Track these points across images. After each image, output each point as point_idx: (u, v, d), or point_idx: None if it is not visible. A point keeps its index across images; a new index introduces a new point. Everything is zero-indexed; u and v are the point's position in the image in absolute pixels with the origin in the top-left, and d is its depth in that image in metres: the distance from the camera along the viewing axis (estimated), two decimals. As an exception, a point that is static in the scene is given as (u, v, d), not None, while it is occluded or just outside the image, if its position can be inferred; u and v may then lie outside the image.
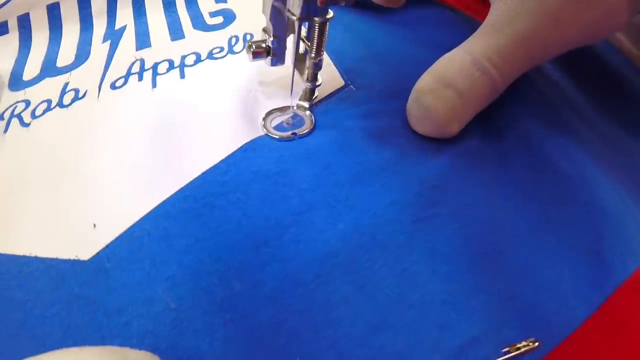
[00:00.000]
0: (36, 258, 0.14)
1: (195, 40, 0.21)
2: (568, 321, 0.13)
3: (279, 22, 0.17)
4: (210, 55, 0.20)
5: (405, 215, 0.15)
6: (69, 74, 0.20)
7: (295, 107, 0.18)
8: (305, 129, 0.17)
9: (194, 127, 0.17)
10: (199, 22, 0.22)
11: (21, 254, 0.14)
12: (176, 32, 0.22)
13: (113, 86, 0.19)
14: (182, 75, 0.19)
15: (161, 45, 0.21)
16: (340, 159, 0.16)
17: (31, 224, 0.15)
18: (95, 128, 0.18)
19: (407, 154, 0.17)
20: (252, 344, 0.12)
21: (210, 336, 0.12)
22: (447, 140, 0.17)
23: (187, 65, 0.20)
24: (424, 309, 0.13)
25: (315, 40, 0.16)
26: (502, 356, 0.13)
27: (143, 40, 0.21)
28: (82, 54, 0.21)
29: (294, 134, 0.17)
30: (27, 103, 0.19)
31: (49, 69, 0.21)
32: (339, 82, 0.19)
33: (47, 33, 0.23)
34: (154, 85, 0.19)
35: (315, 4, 0.15)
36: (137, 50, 0.21)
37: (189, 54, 0.20)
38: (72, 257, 0.14)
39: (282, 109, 0.18)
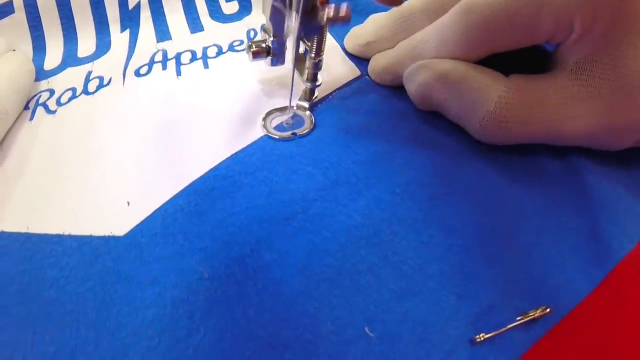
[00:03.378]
0: (69, 236, 0.15)
1: (214, 33, 0.22)
2: (573, 294, 0.14)
3: (279, 22, 0.16)
4: (232, 48, 0.21)
5: (421, 193, 0.16)
6: (91, 63, 0.21)
7: (295, 107, 0.18)
8: (305, 128, 0.17)
9: (221, 113, 0.18)
10: (215, 12, 0.23)
11: (54, 233, 0.15)
12: (195, 22, 0.23)
13: (137, 73, 0.20)
14: (206, 66, 0.20)
15: (182, 38, 0.22)
16: (357, 142, 0.17)
17: (63, 204, 0.16)
18: (123, 113, 0.18)
19: (418, 139, 0.17)
20: (284, 311, 0.13)
21: (243, 304, 0.13)
22: (458, 127, 0.18)
23: (209, 57, 0.20)
24: (443, 279, 0.14)
25: (315, 41, 0.17)
26: (516, 322, 0.13)
27: (163, 31, 0.22)
28: (103, 44, 0.22)
29: (294, 133, 0.17)
30: (51, 92, 0.20)
31: (71, 59, 0.21)
32: (355, 72, 0.20)
33: (55, 12, 0.22)
34: (179, 73, 0.20)
35: (316, 22, 0.16)
36: (157, 42, 0.22)
37: (210, 46, 0.21)
38: (107, 233, 0.14)
39: (282, 109, 0.18)
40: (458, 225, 0.15)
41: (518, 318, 0.14)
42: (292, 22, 0.16)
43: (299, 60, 0.18)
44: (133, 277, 0.13)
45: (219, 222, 0.14)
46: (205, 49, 0.21)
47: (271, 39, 0.17)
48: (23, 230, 0.15)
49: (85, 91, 0.19)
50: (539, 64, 0.17)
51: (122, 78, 0.20)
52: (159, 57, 0.20)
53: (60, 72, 0.21)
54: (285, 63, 0.18)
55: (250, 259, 0.13)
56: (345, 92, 0.19)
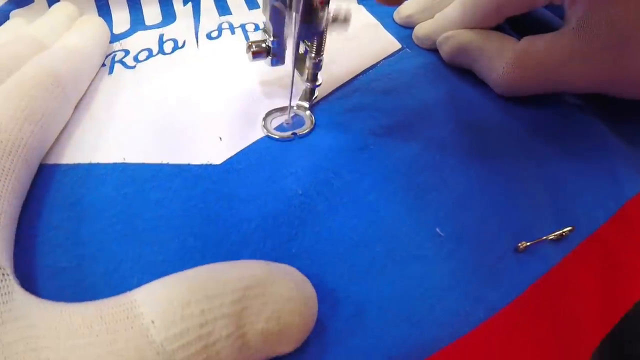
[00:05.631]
0: (168, 164, 0.17)
1: None
2: (593, 221, 0.17)
3: (279, 22, 0.17)
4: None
5: (463, 138, 0.19)
6: (161, 28, 0.23)
7: (295, 107, 0.18)
8: (305, 128, 0.18)
9: (287, 73, 0.20)
10: None
11: (152, 163, 0.17)
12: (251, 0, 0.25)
13: (209, 37, 0.22)
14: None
15: (241, 13, 0.24)
16: (407, 98, 0.20)
17: (156, 139, 0.17)
18: (203, 68, 0.20)
19: (455, 97, 0.21)
20: (367, 217, 0.15)
21: (332, 213, 0.15)
22: (489, 89, 0.21)
23: None
24: (488, 201, 0.17)
25: (315, 41, 0.17)
26: (549, 235, 0.16)
27: (223, 7, 0.24)
28: (168, 15, 0.24)
29: (294, 134, 0.17)
30: (126, 52, 0.22)
31: (139, 25, 0.23)
32: (396, 45, 0.23)
33: None
34: (247, 39, 0.22)
35: (315, 25, 0.16)
36: (220, 16, 0.24)
37: (269, 19, 0.23)
38: (204, 162, 0.16)
39: (282, 109, 0.18)
40: (495, 164, 0.18)
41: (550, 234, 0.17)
42: (292, 25, 0.16)
43: (299, 60, 0.18)
44: (234, 196, 0.16)
45: (303, 153, 0.17)
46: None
47: (271, 39, 0.17)
48: (119, 161, 0.17)
49: (162, 51, 0.21)
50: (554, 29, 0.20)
51: (196, 41, 0.22)
52: (225, 26, 0.23)
53: (131, 35, 0.23)
54: (285, 63, 0.18)
55: (335, 180, 0.16)
56: (390, 62, 0.22)
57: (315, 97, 0.19)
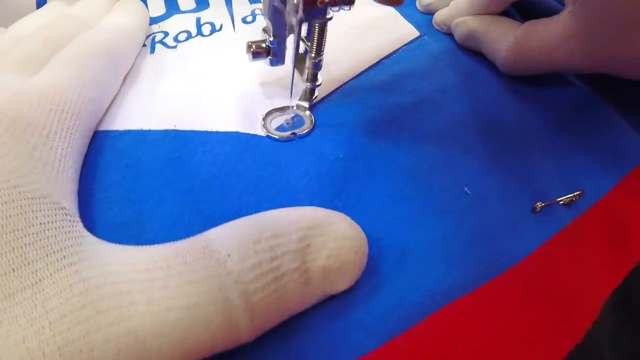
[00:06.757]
0: (217, 132, 0.18)
1: None
2: (599, 188, 0.18)
3: (279, 22, 0.16)
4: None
5: (480, 115, 0.20)
6: (197, 13, 0.24)
7: (295, 107, 0.18)
8: (305, 128, 0.18)
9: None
10: None
11: (202, 130, 0.18)
12: None
13: (244, 21, 0.23)
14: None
15: None
16: (434, 76, 0.22)
17: (205, 110, 0.19)
18: (241, 50, 0.21)
19: (469, 79, 0.22)
20: (401, 177, 0.17)
21: (369, 175, 0.17)
22: (499, 74, 0.23)
23: None
24: (508, 169, 0.18)
25: (315, 41, 0.17)
26: (561, 199, 0.18)
27: (253, -4, 0.26)
28: (202, 2, 0.25)
29: (294, 134, 0.18)
30: (166, 33, 0.23)
31: (174, 10, 0.24)
32: (415, 33, 0.25)
33: None
34: (280, 23, 0.23)
35: (316, 5, 0.15)
36: (250, 4, 0.25)
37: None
38: (251, 132, 0.18)
39: (282, 109, 0.19)
40: (511, 138, 0.20)
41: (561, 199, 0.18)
42: (294, 3, 0.15)
43: (299, 60, 0.18)
44: (281, 161, 0.17)
45: (340, 125, 0.18)
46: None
47: (271, 39, 0.17)
48: (171, 128, 0.18)
49: (200, 33, 0.23)
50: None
51: (232, 25, 0.23)
52: (258, 12, 0.24)
53: (168, 18, 0.24)
54: (285, 63, 0.19)
55: (370, 146, 0.18)
56: (410, 47, 0.24)
57: (315, 97, 0.19)
